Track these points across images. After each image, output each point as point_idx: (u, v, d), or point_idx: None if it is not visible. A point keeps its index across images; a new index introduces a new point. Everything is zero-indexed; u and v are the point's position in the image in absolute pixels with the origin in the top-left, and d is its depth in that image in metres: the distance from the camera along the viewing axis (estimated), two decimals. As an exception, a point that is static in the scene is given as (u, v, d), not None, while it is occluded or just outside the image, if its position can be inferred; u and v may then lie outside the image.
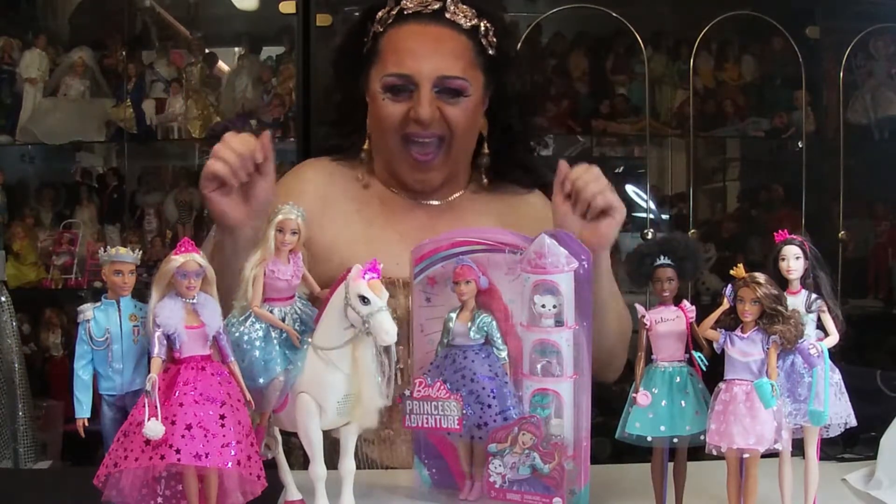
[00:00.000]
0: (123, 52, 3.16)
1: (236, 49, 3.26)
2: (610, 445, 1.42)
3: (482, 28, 1.61)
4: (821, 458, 1.22)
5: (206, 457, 1.06)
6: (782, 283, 1.18)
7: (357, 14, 1.78)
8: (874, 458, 1.41)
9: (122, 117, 3.10)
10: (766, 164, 3.49)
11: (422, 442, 1.38)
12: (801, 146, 3.15)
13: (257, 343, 1.18)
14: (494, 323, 1.30)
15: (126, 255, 1.16)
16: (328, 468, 1.19)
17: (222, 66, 3.27)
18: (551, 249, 1.26)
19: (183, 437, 1.05)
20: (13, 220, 3.12)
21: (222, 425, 1.07)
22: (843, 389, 1.20)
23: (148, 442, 1.05)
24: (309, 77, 2.86)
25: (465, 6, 1.61)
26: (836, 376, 1.20)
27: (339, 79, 1.74)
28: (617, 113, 3.22)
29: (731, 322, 1.15)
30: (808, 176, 3.10)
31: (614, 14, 3.02)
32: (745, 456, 1.13)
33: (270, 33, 3.21)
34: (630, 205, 3.33)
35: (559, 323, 1.27)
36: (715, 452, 1.14)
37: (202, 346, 1.12)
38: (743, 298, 1.13)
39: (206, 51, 3.18)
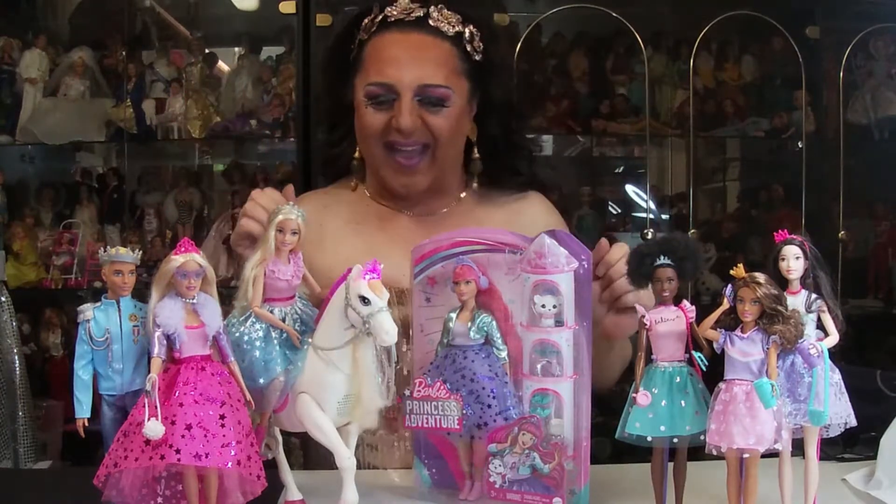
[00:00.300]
0: (123, 52, 3.16)
1: (236, 49, 3.25)
2: (610, 445, 1.42)
3: (467, 34, 1.60)
4: (821, 458, 1.22)
5: (206, 457, 1.06)
6: (782, 283, 1.18)
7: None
8: (874, 458, 1.41)
9: (122, 117, 3.10)
10: (766, 164, 3.48)
11: (422, 442, 1.38)
12: (801, 146, 3.14)
13: (257, 343, 1.18)
14: (494, 323, 1.30)
15: (126, 255, 1.16)
16: (329, 468, 1.19)
17: (222, 66, 3.27)
18: (551, 249, 1.26)
19: (183, 437, 1.05)
20: (13, 220, 3.11)
21: (222, 425, 1.07)
22: (843, 389, 1.20)
23: (148, 442, 1.05)
24: (309, 77, 2.86)
25: (449, 13, 1.60)
26: (836, 376, 1.20)
27: (327, 86, 1.75)
28: (617, 113, 3.22)
29: (731, 322, 1.15)
30: (808, 176, 3.10)
31: (614, 14, 3.02)
32: (745, 456, 1.13)
33: (270, 33, 3.21)
34: (630, 205, 3.36)
35: (559, 323, 1.27)
36: (715, 452, 1.14)
37: (202, 346, 1.12)
38: (743, 298, 1.13)
39: (206, 51, 3.18)
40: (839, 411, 1.20)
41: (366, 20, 1.62)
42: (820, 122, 3.24)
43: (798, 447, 1.20)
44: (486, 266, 1.32)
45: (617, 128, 3.24)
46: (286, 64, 3.13)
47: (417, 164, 1.59)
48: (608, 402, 1.60)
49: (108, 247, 1.17)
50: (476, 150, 1.68)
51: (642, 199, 3.23)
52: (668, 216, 3.30)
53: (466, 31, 1.60)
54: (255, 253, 1.21)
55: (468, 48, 1.61)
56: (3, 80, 3.11)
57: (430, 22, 1.58)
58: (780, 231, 1.21)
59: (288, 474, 1.26)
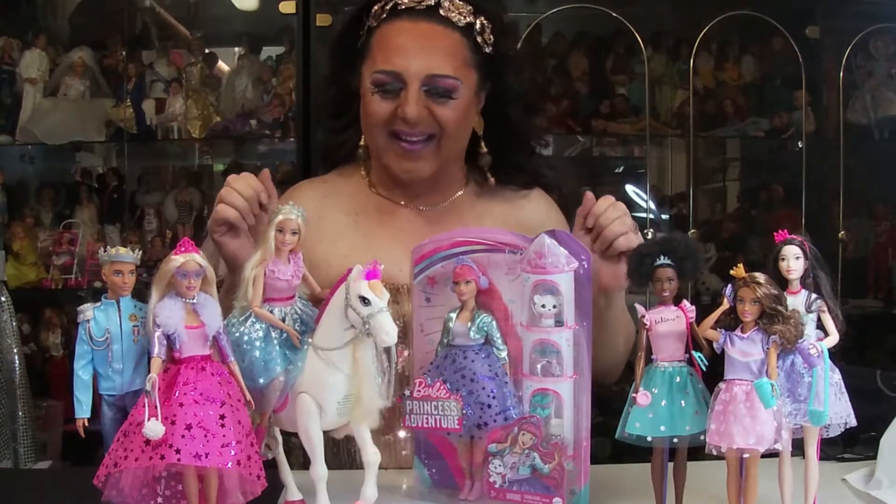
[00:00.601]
0: (123, 52, 3.16)
1: (236, 49, 3.26)
2: (610, 445, 1.42)
3: (478, 25, 1.58)
4: (821, 458, 1.22)
5: (206, 457, 1.06)
6: (782, 283, 1.18)
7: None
8: (874, 458, 1.41)
9: (122, 117, 3.10)
10: (766, 164, 3.49)
11: (422, 442, 1.38)
12: (801, 146, 3.15)
13: (257, 343, 1.18)
14: (494, 323, 1.30)
15: (126, 255, 1.16)
16: (329, 468, 1.19)
17: (222, 66, 3.27)
18: (551, 249, 1.26)
19: (183, 437, 1.05)
20: (13, 220, 3.12)
21: (222, 425, 1.07)
22: (843, 389, 1.20)
23: (148, 442, 1.05)
24: (309, 77, 2.86)
25: (461, 2, 1.57)
26: (836, 376, 1.20)
27: (334, 72, 1.72)
28: (617, 113, 3.22)
29: (731, 322, 1.15)
30: (808, 176, 3.10)
31: (614, 14, 3.02)
32: (745, 456, 1.13)
33: (270, 33, 3.21)
34: (630, 205, 3.36)
35: (559, 323, 1.27)
36: (715, 452, 1.14)
37: (202, 346, 1.12)
38: (743, 298, 1.13)
39: (206, 51, 3.18)
40: (839, 411, 1.20)
41: (375, 7, 1.59)
42: (820, 122, 3.24)
43: (798, 447, 1.20)
44: (486, 266, 1.32)
45: (617, 128, 3.24)
46: (286, 64, 3.14)
47: (422, 149, 1.57)
48: (608, 402, 1.60)
49: (108, 247, 1.17)
50: (483, 145, 1.67)
51: (642, 199, 3.23)
52: (668, 216, 3.30)
53: (478, 22, 1.58)
54: (255, 253, 1.21)
55: (479, 40, 1.58)
56: (3, 80, 3.12)
57: (441, 11, 1.56)
58: (780, 231, 1.21)
59: (288, 474, 1.26)
